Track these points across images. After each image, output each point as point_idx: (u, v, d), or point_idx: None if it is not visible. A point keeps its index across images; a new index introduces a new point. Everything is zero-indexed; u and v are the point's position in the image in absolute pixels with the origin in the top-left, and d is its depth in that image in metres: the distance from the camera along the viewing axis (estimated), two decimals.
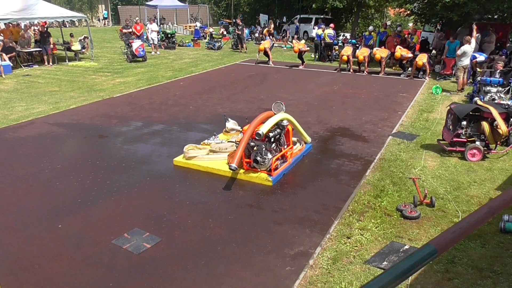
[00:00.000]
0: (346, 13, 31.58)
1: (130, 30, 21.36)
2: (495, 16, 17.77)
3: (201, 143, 7.77)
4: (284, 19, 31.18)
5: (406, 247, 4.89)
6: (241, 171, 6.72)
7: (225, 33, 27.95)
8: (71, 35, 19.22)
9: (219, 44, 23.68)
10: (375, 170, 7.14)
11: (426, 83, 14.42)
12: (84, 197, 6.04)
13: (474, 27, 14.04)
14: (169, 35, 23.66)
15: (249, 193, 6.28)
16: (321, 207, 5.86)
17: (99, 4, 41.11)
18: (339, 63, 16.88)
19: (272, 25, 28.01)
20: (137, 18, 23.37)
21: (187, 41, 25.21)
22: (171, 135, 8.87)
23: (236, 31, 23.26)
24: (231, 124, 8.35)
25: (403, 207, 5.71)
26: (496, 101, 9.64)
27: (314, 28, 20.61)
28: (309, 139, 7.99)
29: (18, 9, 15.53)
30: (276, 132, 6.78)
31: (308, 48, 18.72)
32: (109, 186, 6.42)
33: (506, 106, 8.14)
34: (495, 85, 10.57)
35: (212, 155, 7.23)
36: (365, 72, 16.22)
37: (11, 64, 15.84)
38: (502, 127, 7.26)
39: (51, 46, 17.46)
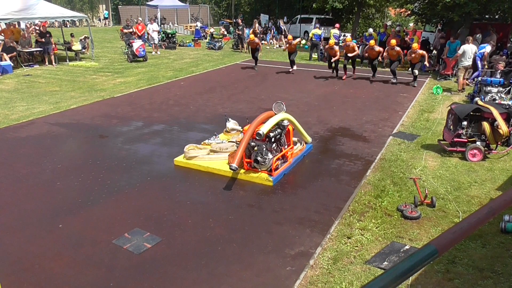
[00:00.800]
0: (346, 13, 31.56)
1: (131, 30, 21.37)
2: (496, 16, 17.76)
3: (202, 143, 7.77)
4: (285, 19, 31.16)
5: (407, 247, 4.88)
6: (242, 171, 6.72)
7: (225, 33, 27.96)
8: (72, 35, 19.23)
9: (220, 44, 23.69)
10: (375, 170, 7.14)
11: (427, 83, 14.42)
12: (84, 197, 6.05)
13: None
14: (170, 35, 23.67)
15: (249, 193, 6.28)
16: (321, 207, 5.86)
17: (100, 4, 41.11)
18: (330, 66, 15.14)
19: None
20: (139, 19, 23.38)
21: (187, 41, 25.22)
22: (172, 135, 8.86)
23: (237, 31, 23.27)
24: (231, 124, 8.35)
25: (403, 207, 5.70)
26: (497, 101, 9.62)
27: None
28: (309, 139, 7.99)
29: (18, 9, 15.55)
30: (276, 132, 6.78)
31: (302, 41, 17.86)
32: (110, 186, 6.42)
33: (507, 106, 8.13)
34: (496, 85, 10.56)
35: (212, 155, 7.23)
36: (343, 77, 15.18)
37: (12, 64, 15.85)
38: (503, 127, 7.25)
39: (53, 46, 17.48)
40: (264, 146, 6.59)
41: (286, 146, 7.14)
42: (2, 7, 15.27)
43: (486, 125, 7.43)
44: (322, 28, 21.47)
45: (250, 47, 17.45)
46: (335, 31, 19.12)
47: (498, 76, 11.11)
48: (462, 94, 12.71)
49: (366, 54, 14.91)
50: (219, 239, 5.03)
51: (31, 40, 18.45)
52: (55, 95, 12.18)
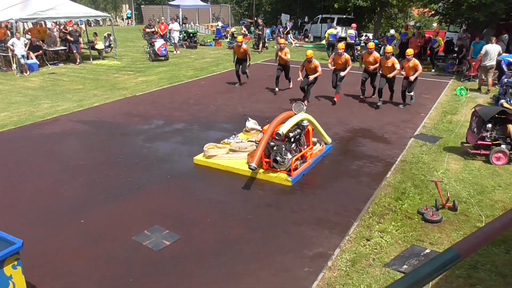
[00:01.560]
0: (369, 13, 31.22)
1: (153, 29, 21.62)
2: None
3: (221, 142, 7.80)
4: (306, 19, 31.03)
5: (427, 251, 4.81)
6: (261, 170, 6.73)
7: (246, 32, 28.02)
8: (95, 34, 19.59)
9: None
10: (396, 172, 7.05)
11: (450, 85, 14.15)
12: (106, 193, 6.15)
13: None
14: (191, 35, 23.84)
15: (268, 193, 6.28)
16: (340, 208, 5.81)
17: (123, 4, 41.72)
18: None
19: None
20: (162, 18, 23.65)
21: (208, 41, 25.36)
22: (192, 134, 8.94)
23: (257, 31, 23.26)
24: (251, 123, 8.36)
25: (424, 210, 5.61)
26: None
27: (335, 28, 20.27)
28: (329, 139, 7.94)
29: (45, 9, 15.93)
30: (296, 132, 6.76)
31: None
32: (131, 183, 6.51)
33: None
34: None
35: (232, 154, 7.26)
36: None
37: (38, 62, 16.23)
38: None
39: (81, 45, 17.85)
40: (283, 146, 6.58)
41: (305, 147, 7.11)
42: (29, 6, 15.68)
43: (511, 128, 7.25)
44: (338, 28, 21.22)
45: (235, 55, 13.05)
46: (351, 32, 18.89)
47: None
48: (487, 96, 12.43)
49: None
50: (237, 238, 5.05)
51: (57, 39, 18.86)
52: (78, 93, 12.42)
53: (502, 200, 6.05)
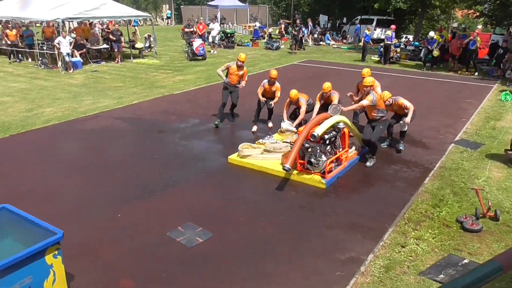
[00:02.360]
0: (409, 15, 30.45)
1: (192, 29, 21.95)
2: None
3: (256, 142, 7.83)
4: (344, 20, 30.63)
5: (465, 261, 4.64)
6: (295, 172, 6.70)
7: (284, 33, 27.96)
8: (134, 34, 20.13)
9: (278, 44, 23.73)
10: (434, 178, 6.85)
11: (494, 89, 13.60)
12: (142, 189, 6.30)
13: None
14: (229, 35, 24.05)
15: (301, 194, 6.25)
16: (375, 213, 5.70)
17: (163, 4, 42.60)
18: None
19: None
20: (201, 18, 24.00)
21: (246, 41, 25.50)
22: (227, 133, 9.01)
23: (293, 31, 23.16)
24: (286, 124, 8.35)
25: (463, 219, 5.42)
26: None
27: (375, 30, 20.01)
28: None
29: (89, 8, 16.52)
30: (331, 134, 6.69)
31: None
32: (166, 180, 6.64)
33: None
34: None
35: (266, 155, 7.26)
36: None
37: (82, 60, 16.83)
38: None
39: (122, 44, 18.38)
40: (318, 148, 6.53)
41: (340, 149, 7.02)
42: (75, 6, 16.30)
43: None
44: (377, 29, 20.93)
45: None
46: (388, 33, 18.50)
47: None
48: None
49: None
50: (269, 238, 5.05)
51: (100, 38, 19.48)
52: (118, 91, 12.79)
53: None
